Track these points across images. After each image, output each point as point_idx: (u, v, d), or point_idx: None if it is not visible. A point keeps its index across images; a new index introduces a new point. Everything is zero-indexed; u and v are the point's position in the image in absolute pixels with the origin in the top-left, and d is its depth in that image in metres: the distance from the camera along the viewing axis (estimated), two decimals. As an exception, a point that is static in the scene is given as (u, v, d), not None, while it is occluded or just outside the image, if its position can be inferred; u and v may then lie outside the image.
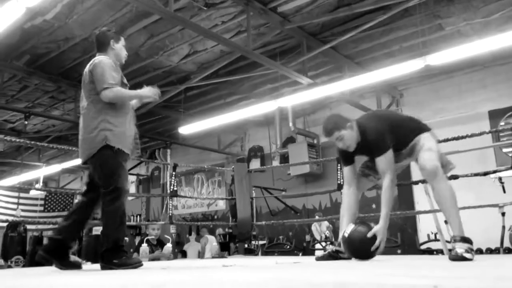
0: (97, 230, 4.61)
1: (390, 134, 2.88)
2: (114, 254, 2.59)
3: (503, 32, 5.20)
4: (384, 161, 2.85)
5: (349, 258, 2.99)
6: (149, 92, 2.95)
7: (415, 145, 2.94)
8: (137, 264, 2.63)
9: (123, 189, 2.69)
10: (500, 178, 5.69)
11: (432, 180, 2.76)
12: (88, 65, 2.80)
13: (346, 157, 3.15)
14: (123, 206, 2.67)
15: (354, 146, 3.00)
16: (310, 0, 5.54)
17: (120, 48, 2.95)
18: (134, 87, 9.50)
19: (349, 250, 2.88)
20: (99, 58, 2.81)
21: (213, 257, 5.19)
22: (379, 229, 2.76)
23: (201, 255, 7.44)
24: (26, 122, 8.36)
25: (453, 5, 5.69)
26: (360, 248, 2.80)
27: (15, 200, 11.20)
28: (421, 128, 3.04)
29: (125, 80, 2.94)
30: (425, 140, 2.91)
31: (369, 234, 2.75)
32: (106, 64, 2.76)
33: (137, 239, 8.20)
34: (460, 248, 2.50)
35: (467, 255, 2.46)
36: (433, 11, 5.83)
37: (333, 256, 3.12)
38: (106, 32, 2.96)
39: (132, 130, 2.90)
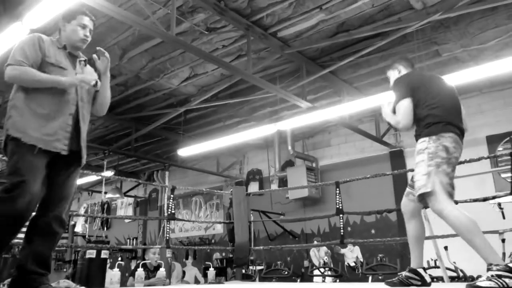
0: (91, 253, 4.52)
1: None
2: None
3: (499, 58, 5.28)
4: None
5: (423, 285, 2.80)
6: (74, 80, 2.45)
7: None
8: None
9: (23, 190, 2.19)
10: (499, 204, 5.66)
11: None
12: None
13: None
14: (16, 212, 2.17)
15: None
16: (309, 26, 5.64)
17: (71, 29, 2.57)
18: (135, 108, 9.44)
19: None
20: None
21: (209, 283, 5.10)
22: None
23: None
24: (25, 143, 8.34)
25: (449, 32, 5.79)
26: None
27: (11, 221, 11.09)
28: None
29: (62, 64, 2.51)
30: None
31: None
32: (24, 40, 2.41)
33: (133, 263, 8.08)
34: (482, 277, 2.28)
35: (482, 283, 2.23)
36: (430, 38, 5.92)
37: (404, 283, 2.85)
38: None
39: (63, 117, 2.42)
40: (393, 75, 3.11)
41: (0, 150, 2.47)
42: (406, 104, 2.73)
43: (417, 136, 2.73)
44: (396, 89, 2.83)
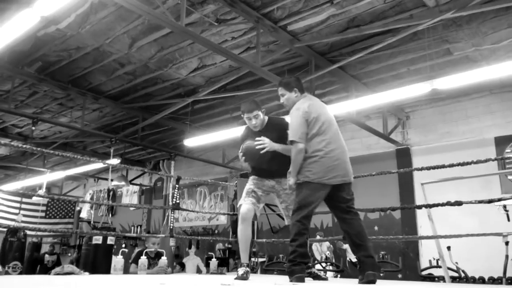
0: (97, 239, 4.57)
1: None
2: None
3: (511, 58, 5.22)
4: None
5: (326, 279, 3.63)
6: None
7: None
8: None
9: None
10: (504, 206, 5.63)
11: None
12: None
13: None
14: None
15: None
16: (320, 20, 5.60)
17: None
18: (143, 97, 9.44)
19: (246, 155, 3.61)
20: None
21: (211, 273, 5.14)
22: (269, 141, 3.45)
23: None
24: (33, 128, 8.42)
25: (462, 31, 5.72)
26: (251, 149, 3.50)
27: (17, 205, 11.20)
28: None
29: None
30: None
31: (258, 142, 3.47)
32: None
33: (136, 250, 8.13)
34: (240, 271, 3.36)
35: (240, 272, 3.35)
36: (442, 36, 5.86)
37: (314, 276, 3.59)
38: None
39: None
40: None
41: None
42: None
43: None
44: None
